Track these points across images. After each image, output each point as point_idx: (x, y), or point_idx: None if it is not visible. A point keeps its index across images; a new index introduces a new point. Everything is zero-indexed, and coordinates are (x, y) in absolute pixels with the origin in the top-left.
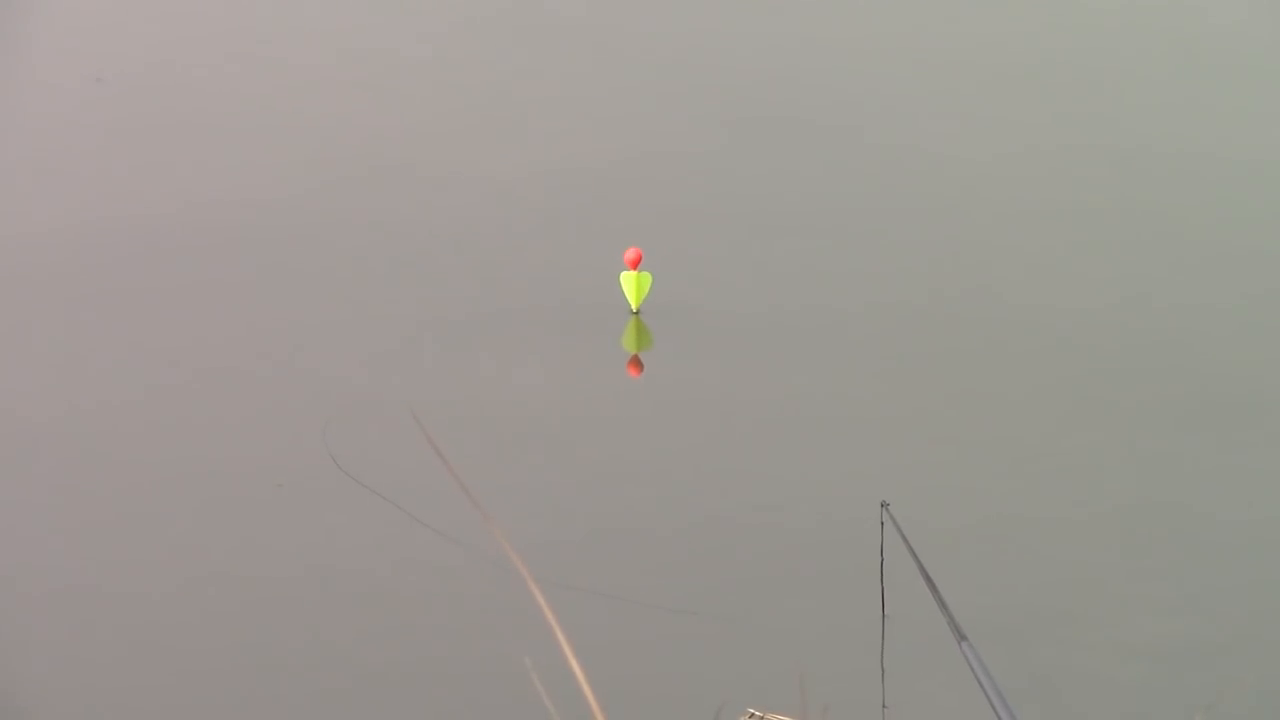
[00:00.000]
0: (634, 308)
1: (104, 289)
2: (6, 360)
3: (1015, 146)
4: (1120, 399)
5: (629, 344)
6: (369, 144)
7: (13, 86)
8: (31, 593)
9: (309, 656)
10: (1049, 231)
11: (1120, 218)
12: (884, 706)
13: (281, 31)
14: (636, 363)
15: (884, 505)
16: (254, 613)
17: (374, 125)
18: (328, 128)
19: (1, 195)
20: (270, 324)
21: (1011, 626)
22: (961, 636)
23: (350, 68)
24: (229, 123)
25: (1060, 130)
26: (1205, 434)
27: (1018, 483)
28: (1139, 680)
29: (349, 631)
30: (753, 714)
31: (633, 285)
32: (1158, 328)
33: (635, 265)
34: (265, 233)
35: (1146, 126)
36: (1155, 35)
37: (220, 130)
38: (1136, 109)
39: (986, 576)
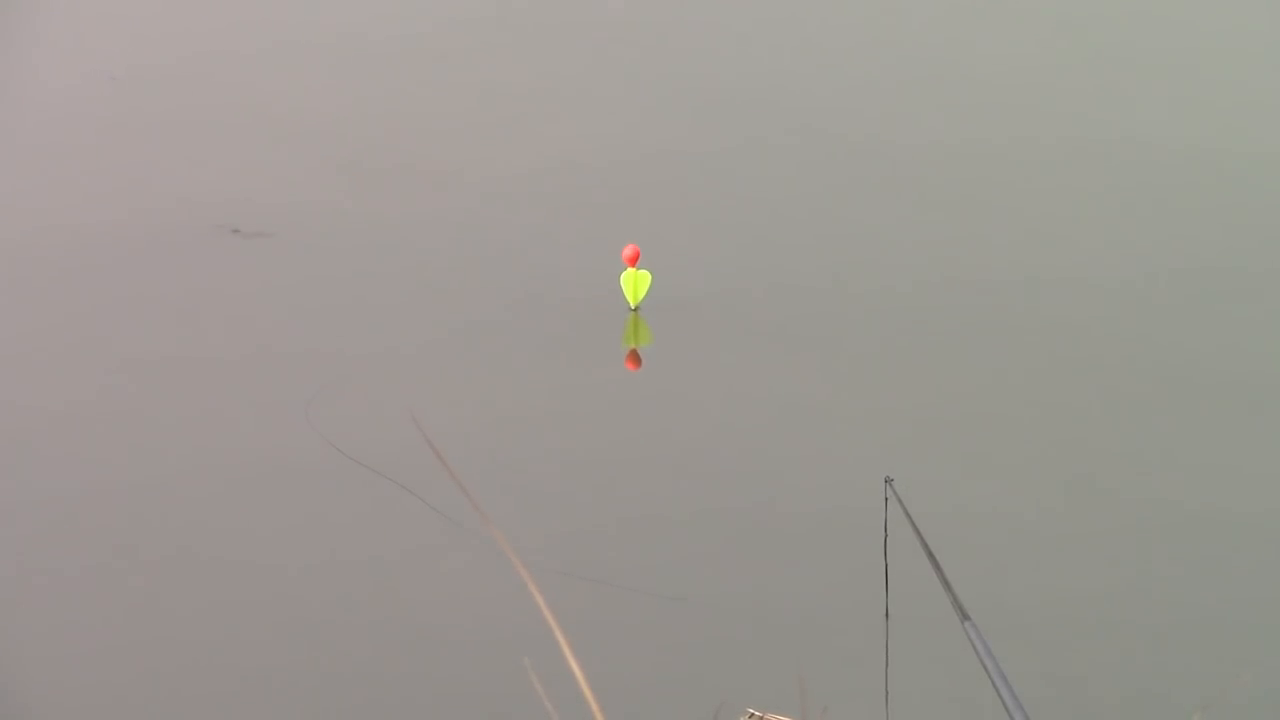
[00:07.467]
0: (633, 305)
1: (104, 288)
2: (6, 357)
3: (1012, 143)
4: (1125, 388)
5: (629, 340)
6: (368, 143)
7: (20, 84)
8: (24, 589)
9: (304, 654)
10: (1045, 226)
11: (1119, 208)
12: (886, 693)
13: (279, 31)
14: (635, 358)
15: (888, 481)
16: (248, 608)
17: (372, 124)
18: (325, 126)
19: (4, 194)
20: (268, 321)
21: (1009, 623)
22: (964, 616)
23: (348, 67)
24: (226, 121)
25: (1057, 123)
26: (1208, 426)
27: (1018, 476)
28: (1137, 677)
29: (347, 630)
30: (752, 714)
31: (631, 283)
32: (1159, 316)
33: (633, 263)
34: (263, 230)
35: (1137, 115)
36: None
37: (218, 128)
38: (1127, 100)
39: (986, 570)
